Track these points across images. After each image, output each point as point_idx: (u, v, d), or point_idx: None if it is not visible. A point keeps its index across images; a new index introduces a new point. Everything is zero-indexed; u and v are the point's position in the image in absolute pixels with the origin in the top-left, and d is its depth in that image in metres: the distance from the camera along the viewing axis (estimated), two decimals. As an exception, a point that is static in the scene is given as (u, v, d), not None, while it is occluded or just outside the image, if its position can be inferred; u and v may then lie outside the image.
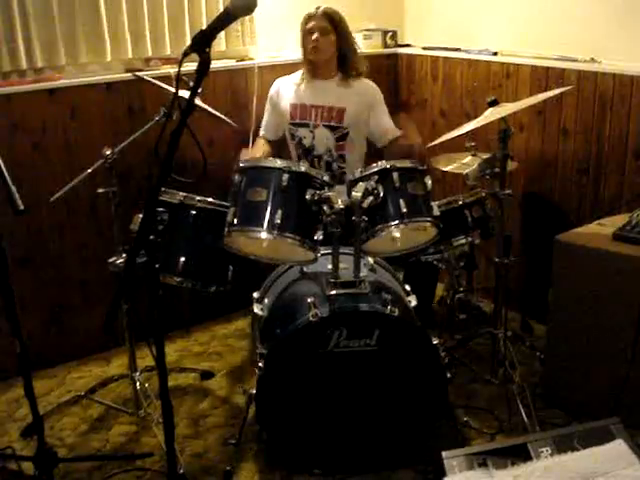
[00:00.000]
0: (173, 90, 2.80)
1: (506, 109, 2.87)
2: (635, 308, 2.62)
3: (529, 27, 3.66)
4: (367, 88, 3.61)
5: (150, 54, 3.52)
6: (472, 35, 3.98)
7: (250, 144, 3.67)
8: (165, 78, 3.29)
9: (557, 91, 3.05)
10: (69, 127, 3.32)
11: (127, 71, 3.45)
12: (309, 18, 3.44)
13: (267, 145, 3.66)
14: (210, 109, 3.13)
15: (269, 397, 2.54)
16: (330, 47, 3.46)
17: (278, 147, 3.72)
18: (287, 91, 3.61)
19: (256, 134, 3.72)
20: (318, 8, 3.44)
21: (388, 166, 2.60)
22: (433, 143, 3.05)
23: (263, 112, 3.73)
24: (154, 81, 3.09)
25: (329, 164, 3.56)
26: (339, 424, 2.61)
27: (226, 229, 2.51)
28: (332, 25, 3.43)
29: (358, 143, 3.63)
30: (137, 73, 3.34)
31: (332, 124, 3.55)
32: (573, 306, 2.86)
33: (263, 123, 3.72)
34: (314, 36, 3.42)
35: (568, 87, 3.12)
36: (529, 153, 3.65)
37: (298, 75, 3.62)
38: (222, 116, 3.24)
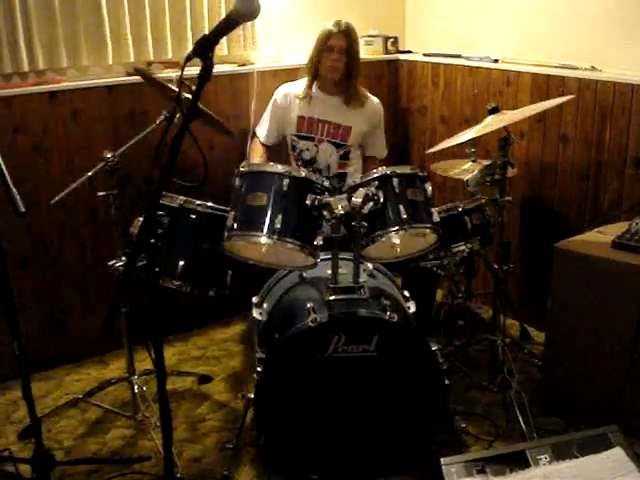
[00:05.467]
0: (176, 90, 2.82)
1: (507, 118, 2.87)
2: (634, 316, 2.62)
3: (530, 35, 3.67)
4: (375, 109, 3.65)
5: (152, 58, 3.52)
6: (473, 42, 3.99)
7: (248, 148, 3.67)
8: (166, 82, 3.29)
9: (558, 100, 3.05)
10: (70, 130, 3.33)
11: (129, 74, 3.45)
12: (331, 35, 3.39)
13: (264, 150, 3.66)
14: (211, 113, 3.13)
15: (267, 402, 2.54)
16: (343, 67, 3.46)
17: (272, 152, 3.71)
18: (296, 101, 3.58)
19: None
20: (339, 24, 3.40)
21: (388, 172, 2.61)
22: (432, 150, 3.06)
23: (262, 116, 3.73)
24: (160, 80, 3.06)
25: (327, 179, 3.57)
26: (337, 430, 2.60)
27: (226, 233, 2.51)
28: (348, 44, 3.42)
29: (355, 159, 3.67)
30: (141, 71, 3.31)
31: (337, 141, 3.58)
32: (572, 314, 2.86)
33: (263, 127, 3.68)
34: (334, 55, 3.41)
35: (569, 97, 3.13)
36: (529, 160, 3.66)
37: (303, 85, 3.59)
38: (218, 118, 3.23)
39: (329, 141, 3.57)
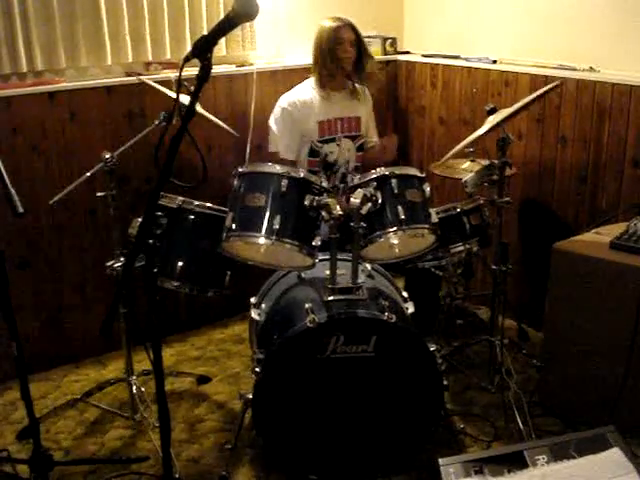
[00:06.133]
0: (174, 95, 2.83)
1: (502, 113, 2.88)
2: (631, 317, 2.62)
3: (528, 36, 3.67)
4: (368, 96, 3.72)
5: (150, 58, 3.52)
6: (471, 43, 3.99)
7: (248, 150, 3.66)
8: (165, 82, 3.30)
9: (545, 89, 3.01)
10: (69, 130, 3.32)
11: (127, 75, 3.45)
12: (338, 28, 3.40)
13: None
14: (214, 119, 3.13)
15: (266, 402, 2.54)
16: (355, 58, 3.49)
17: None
18: (309, 109, 3.50)
19: (256, 143, 3.70)
20: (340, 18, 3.42)
21: (387, 173, 2.61)
22: (440, 162, 3.06)
23: (261, 118, 3.71)
24: (156, 86, 3.09)
25: (344, 175, 3.57)
26: (336, 430, 2.60)
27: (224, 234, 2.51)
28: (357, 36, 3.45)
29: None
30: (140, 77, 3.32)
31: (352, 134, 3.61)
32: (570, 314, 2.86)
33: (283, 145, 3.49)
34: (346, 47, 3.42)
35: (555, 84, 3.09)
36: (527, 161, 3.66)
37: (307, 90, 3.54)
38: (222, 124, 3.23)
39: (346, 136, 3.60)
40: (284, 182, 2.49)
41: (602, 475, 1.78)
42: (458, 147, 2.99)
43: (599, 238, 2.90)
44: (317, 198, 2.50)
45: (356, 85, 3.61)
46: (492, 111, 2.95)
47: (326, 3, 3.96)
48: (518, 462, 1.89)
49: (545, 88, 3.04)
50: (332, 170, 3.58)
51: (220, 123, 3.19)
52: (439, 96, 4.16)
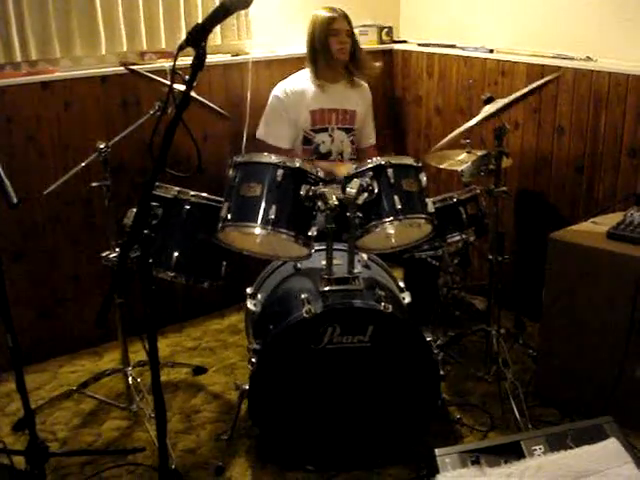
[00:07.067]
0: (168, 83, 2.82)
1: (499, 103, 2.86)
2: (628, 307, 2.62)
3: (525, 25, 3.66)
4: (367, 92, 3.72)
5: (145, 48, 3.50)
6: (468, 32, 3.98)
7: (244, 139, 3.65)
8: (160, 72, 3.28)
9: (545, 79, 3.00)
10: (63, 120, 3.30)
11: (121, 65, 3.43)
12: (332, 19, 3.42)
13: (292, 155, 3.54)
14: (204, 101, 3.11)
15: (262, 393, 2.54)
16: (350, 48, 3.49)
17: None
18: (301, 98, 3.51)
19: (252, 133, 3.68)
20: (334, 9, 3.44)
21: (383, 162, 2.59)
22: (436, 147, 3.06)
23: (257, 107, 3.70)
24: (150, 75, 3.07)
25: None
26: (332, 420, 2.60)
27: (220, 224, 2.50)
28: (350, 27, 3.47)
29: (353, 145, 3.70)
30: (130, 67, 3.30)
31: (347, 126, 3.61)
32: (566, 304, 2.86)
33: (277, 134, 3.53)
34: (342, 38, 3.43)
35: (555, 74, 3.07)
36: (524, 151, 3.65)
37: (301, 79, 3.55)
38: (216, 107, 3.21)
39: (339, 128, 3.60)
40: (280, 172, 2.48)
41: (599, 465, 1.79)
42: (451, 136, 2.96)
43: (596, 228, 2.90)
44: (313, 188, 2.49)
45: (355, 79, 3.61)
46: (489, 100, 2.93)
47: (322, -8, 3.94)
48: (515, 452, 1.89)
49: (545, 79, 3.02)
50: (327, 161, 3.57)
51: (212, 105, 3.16)
52: (435, 85, 4.14)
